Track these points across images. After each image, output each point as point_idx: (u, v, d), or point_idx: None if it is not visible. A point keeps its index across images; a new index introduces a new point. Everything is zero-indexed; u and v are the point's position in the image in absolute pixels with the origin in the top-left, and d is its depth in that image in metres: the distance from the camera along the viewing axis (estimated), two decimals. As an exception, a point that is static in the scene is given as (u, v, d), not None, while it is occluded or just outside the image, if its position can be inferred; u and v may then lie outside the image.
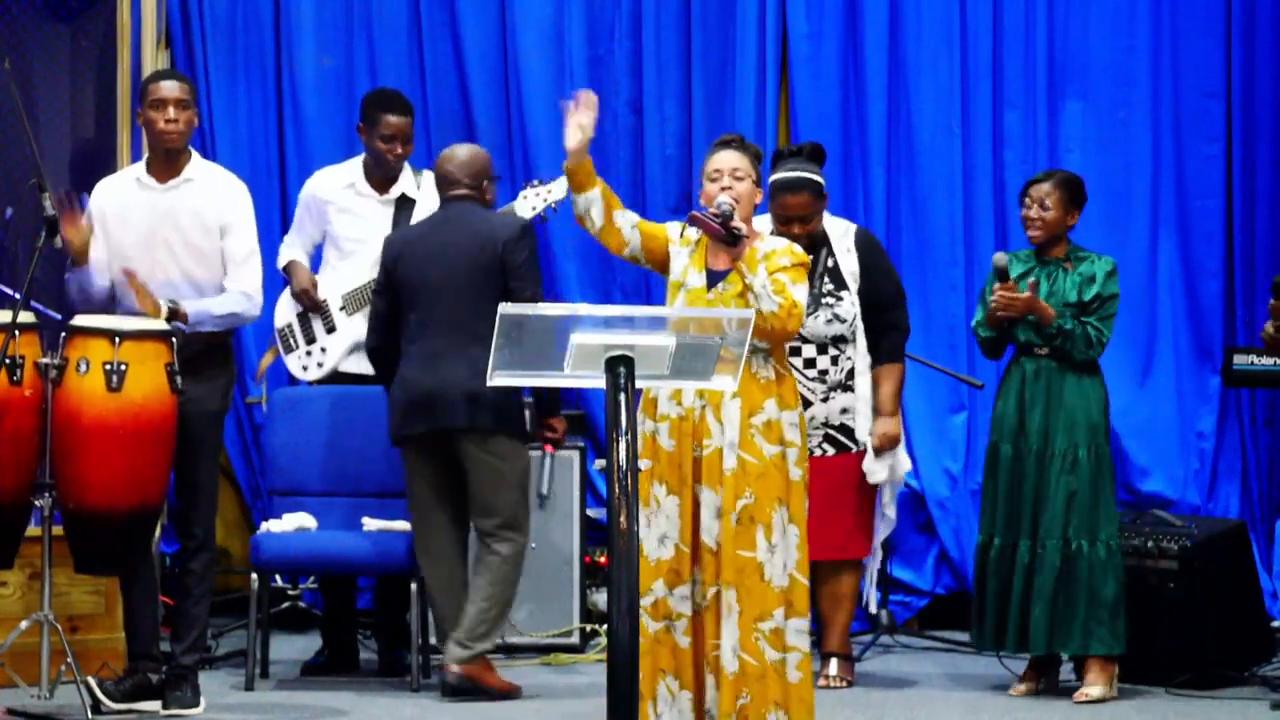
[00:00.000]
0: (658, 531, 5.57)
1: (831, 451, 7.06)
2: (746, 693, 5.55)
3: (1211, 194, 8.72)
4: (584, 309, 4.77)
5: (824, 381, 7.04)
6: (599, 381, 4.69)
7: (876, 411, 7.09)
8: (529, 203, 7.42)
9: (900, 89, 8.73)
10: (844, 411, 7.06)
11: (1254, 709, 6.83)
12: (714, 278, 5.65)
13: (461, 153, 7.02)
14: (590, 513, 7.90)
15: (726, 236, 5.56)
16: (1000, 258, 6.90)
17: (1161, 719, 6.71)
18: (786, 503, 5.62)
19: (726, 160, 5.69)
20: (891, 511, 7.24)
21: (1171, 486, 8.63)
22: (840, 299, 7.05)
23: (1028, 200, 7.00)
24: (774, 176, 6.99)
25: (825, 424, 7.05)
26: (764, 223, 6.94)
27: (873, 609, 7.67)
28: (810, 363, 7.04)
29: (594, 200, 5.62)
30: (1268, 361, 7.47)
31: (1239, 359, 7.50)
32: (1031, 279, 6.89)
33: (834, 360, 7.05)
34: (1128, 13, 8.73)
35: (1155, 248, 8.63)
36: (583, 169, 5.59)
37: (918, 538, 8.66)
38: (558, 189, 7.31)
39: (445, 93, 8.74)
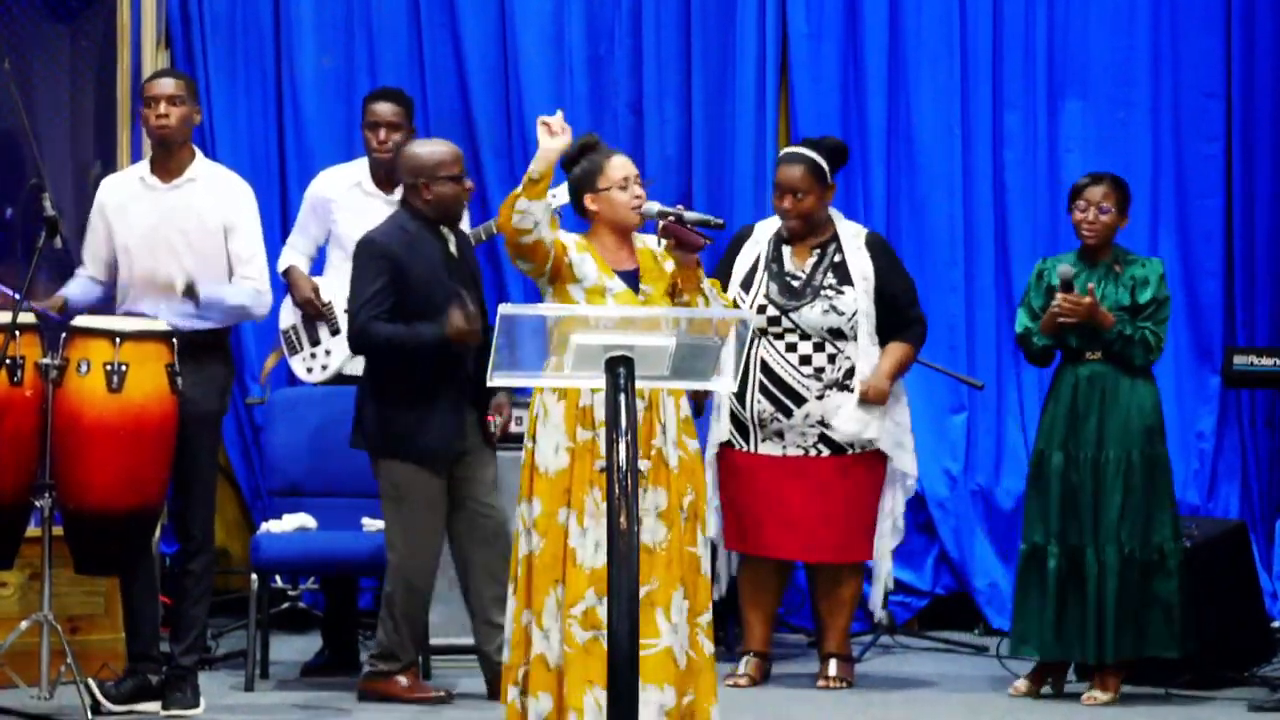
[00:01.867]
0: (593, 538, 5.50)
1: (826, 452, 7.05)
2: (691, 690, 5.56)
3: (1211, 193, 8.71)
4: (584, 309, 4.77)
5: (819, 379, 7.03)
6: (599, 382, 4.69)
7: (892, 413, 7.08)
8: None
9: (900, 89, 8.73)
10: (839, 410, 7.05)
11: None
12: (627, 278, 5.67)
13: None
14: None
15: (701, 244, 5.61)
16: (1066, 269, 6.84)
17: (1162, 719, 6.71)
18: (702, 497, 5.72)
19: (630, 166, 5.76)
20: (901, 522, 7.21)
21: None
22: (841, 293, 7.05)
23: (1082, 203, 6.95)
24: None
25: (820, 423, 7.04)
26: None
27: (879, 615, 7.65)
28: (806, 359, 7.03)
29: (544, 215, 5.52)
30: (1267, 362, 7.46)
31: (1239, 359, 7.49)
32: (1090, 284, 6.85)
33: (831, 359, 7.05)
34: (1127, 12, 8.72)
35: (1155, 247, 8.62)
36: (547, 177, 5.49)
37: (918, 538, 8.66)
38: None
39: (445, 93, 8.74)
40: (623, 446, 4.59)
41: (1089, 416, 6.89)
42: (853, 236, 7.17)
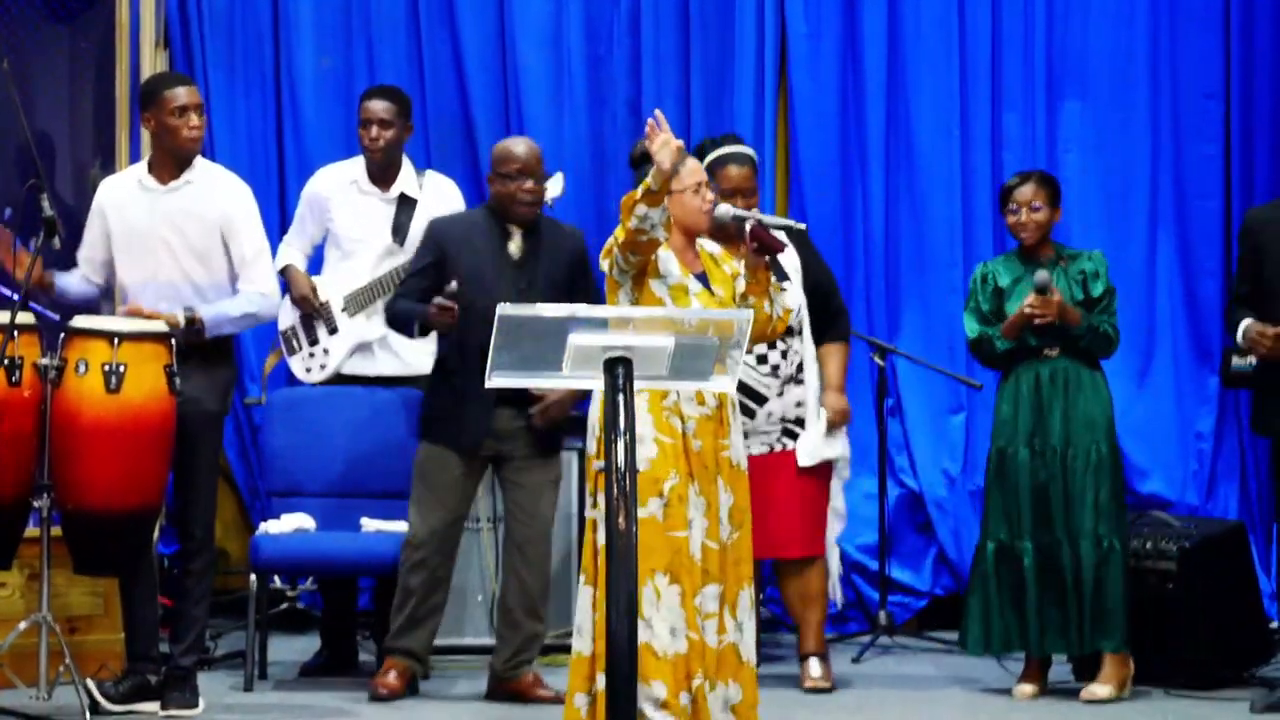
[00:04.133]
0: (698, 532, 5.59)
1: (791, 445, 7.07)
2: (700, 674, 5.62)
3: (1210, 194, 8.72)
4: (583, 309, 4.77)
5: (777, 376, 7.05)
6: (598, 382, 4.69)
7: (823, 388, 7.09)
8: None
9: (899, 89, 8.73)
10: (798, 405, 7.06)
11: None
12: (699, 279, 5.72)
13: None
14: (590, 514, 7.88)
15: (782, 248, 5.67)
16: (1044, 275, 6.86)
17: (1162, 719, 6.71)
18: None
19: (703, 171, 5.83)
20: (842, 505, 7.21)
21: (1170, 487, 8.63)
22: (784, 289, 7.03)
23: (1013, 205, 6.99)
24: (713, 155, 7.01)
25: (782, 419, 7.06)
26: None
27: (838, 604, 7.64)
28: (762, 359, 7.04)
29: (661, 218, 5.52)
30: (1267, 362, 7.46)
31: (1237, 360, 7.50)
32: (1053, 285, 6.86)
33: (784, 355, 7.07)
34: (1126, 13, 8.73)
35: (1154, 248, 8.63)
36: (668, 183, 5.49)
37: (916, 538, 8.66)
38: (555, 186, 7.31)
39: (445, 93, 8.75)
40: (621, 446, 4.59)
41: (1053, 412, 6.91)
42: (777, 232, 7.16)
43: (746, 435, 7.02)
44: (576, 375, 4.73)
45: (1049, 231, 7.02)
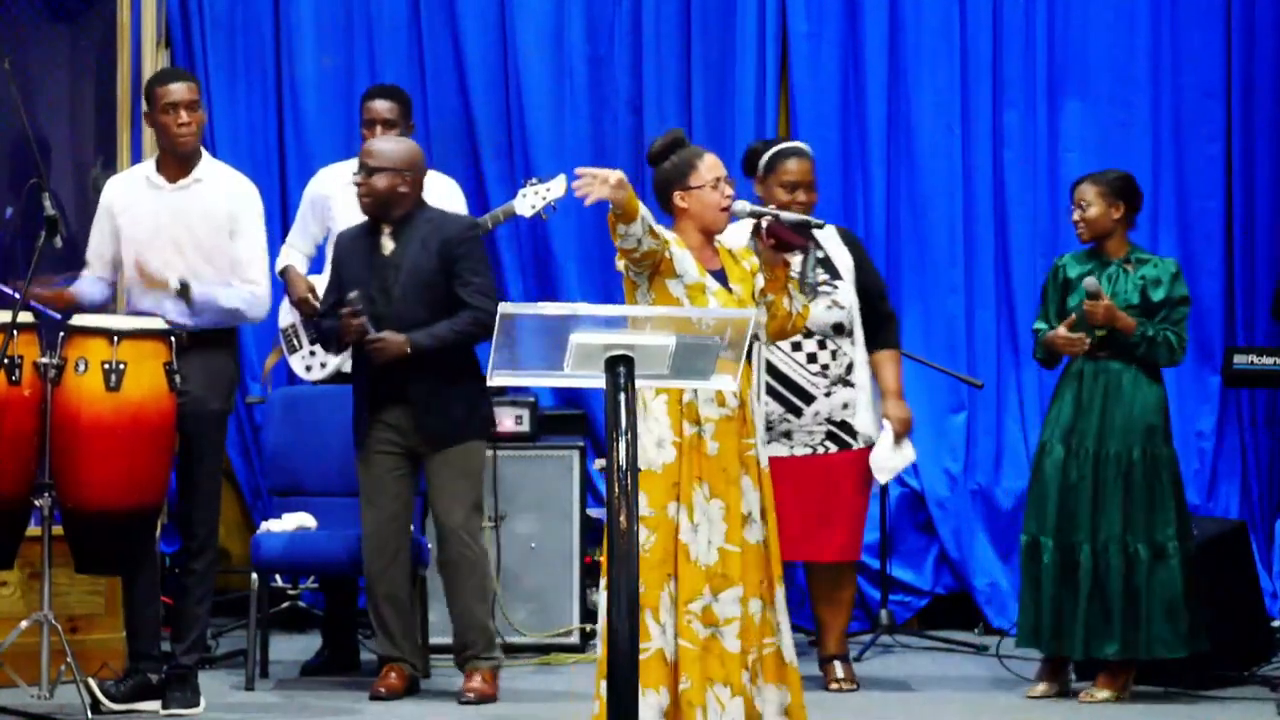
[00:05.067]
0: (705, 535, 5.53)
1: (834, 449, 7.03)
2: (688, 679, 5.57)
3: (1211, 194, 8.71)
4: (584, 308, 4.77)
5: (825, 376, 7.01)
6: (599, 381, 4.68)
7: (879, 397, 7.06)
8: (528, 201, 7.42)
9: (900, 89, 8.73)
10: (845, 407, 7.03)
11: (1255, 709, 6.83)
12: (717, 277, 5.66)
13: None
14: (590, 513, 7.90)
15: (804, 244, 5.65)
16: (1092, 281, 6.84)
17: (1162, 719, 6.71)
18: None
19: (722, 167, 5.72)
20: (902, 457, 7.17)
21: (1170, 486, 8.62)
22: (836, 287, 7.03)
23: (1072, 204, 7.01)
24: (771, 151, 7.02)
25: (828, 420, 7.02)
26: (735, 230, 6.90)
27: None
28: (812, 357, 7.01)
29: (644, 232, 5.47)
30: (1268, 361, 7.46)
31: (1239, 359, 7.49)
32: (1103, 291, 6.85)
33: (833, 355, 7.03)
34: (1127, 12, 8.72)
35: (1155, 247, 8.62)
36: (629, 204, 5.40)
37: (918, 538, 8.66)
38: (556, 187, 7.31)
39: (445, 92, 8.74)
40: (622, 446, 4.59)
41: (1092, 411, 6.90)
42: (827, 231, 7.13)
43: (790, 434, 7.01)
44: (577, 374, 4.73)
45: (1110, 230, 6.95)
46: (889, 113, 8.72)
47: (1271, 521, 8.56)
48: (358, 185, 6.83)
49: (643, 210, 5.46)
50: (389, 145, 6.86)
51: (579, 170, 5.40)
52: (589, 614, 7.77)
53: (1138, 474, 6.85)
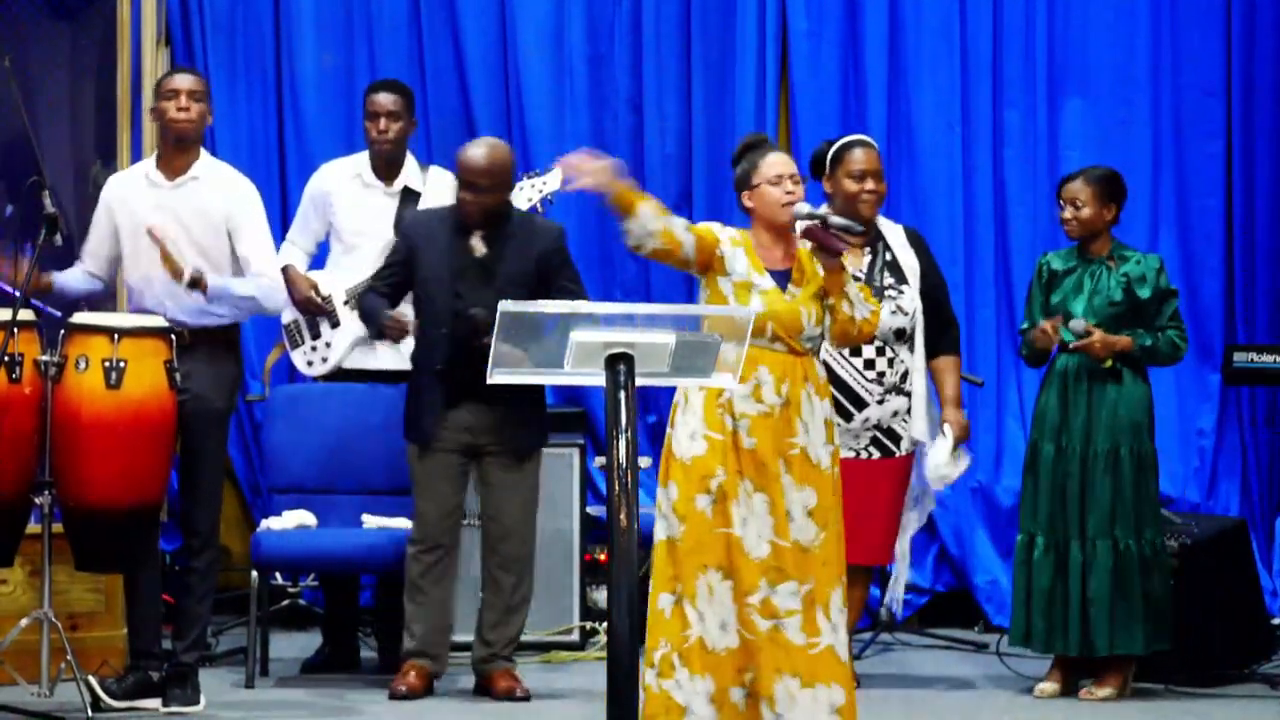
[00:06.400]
0: (754, 529, 5.55)
1: (876, 455, 6.97)
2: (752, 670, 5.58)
3: (1211, 192, 8.72)
4: (584, 306, 4.77)
5: (880, 384, 6.94)
6: (599, 379, 4.68)
7: (935, 405, 7.00)
8: (524, 194, 7.42)
9: (900, 88, 8.73)
10: (894, 415, 6.95)
11: (1255, 707, 6.84)
12: (778, 277, 5.66)
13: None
14: (590, 510, 7.90)
15: (841, 249, 5.62)
16: (1077, 324, 6.85)
17: (1162, 717, 6.71)
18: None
19: (787, 164, 5.71)
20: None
21: (1171, 484, 8.61)
22: (901, 292, 6.95)
23: (1061, 200, 7.00)
24: (837, 144, 7.00)
25: (876, 425, 6.96)
26: None
27: (894, 610, 7.64)
28: (870, 364, 6.93)
29: (650, 230, 5.50)
30: (1268, 359, 7.48)
31: (1239, 356, 7.50)
32: (1088, 324, 6.85)
33: (890, 363, 6.95)
34: (1128, 11, 8.73)
35: (1155, 246, 8.63)
36: (621, 198, 5.45)
37: (918, 535, 8.60)
38: (552, 180, 7.30)
39: (445, 91, 8.74)
40: (622, 444, 4.59)
41: (1078, 409, 6.91)
42: (895, 232, 7.10)
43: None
44: (578, 372, 4.73)
45: (1096, 229, 6.98)
46: (889, 112, 8.73)
47: (1271, 519, 8.57)
48: (465, 202, 6.75)
49: (650, 209, 5.48)
50: (487, 159, 6.76)
51: (562, 159, 5.44)
52: (589, 612, 7.78)
53: (1126, 471, 6.86)
